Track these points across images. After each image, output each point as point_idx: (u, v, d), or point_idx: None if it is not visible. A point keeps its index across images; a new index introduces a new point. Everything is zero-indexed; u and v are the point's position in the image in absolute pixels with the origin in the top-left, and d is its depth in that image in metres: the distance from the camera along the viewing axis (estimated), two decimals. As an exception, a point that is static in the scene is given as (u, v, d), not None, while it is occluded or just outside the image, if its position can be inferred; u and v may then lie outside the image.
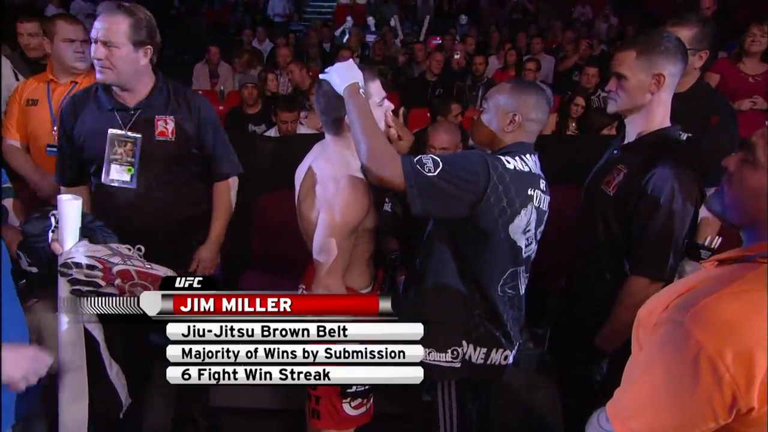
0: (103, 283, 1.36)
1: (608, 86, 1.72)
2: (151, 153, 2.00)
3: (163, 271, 1.42)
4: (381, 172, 1.44)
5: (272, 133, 3.89)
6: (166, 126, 2.00)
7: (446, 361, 1.64)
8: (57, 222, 1.41)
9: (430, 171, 1.44)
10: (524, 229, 1.57)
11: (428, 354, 1.58)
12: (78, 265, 1.35)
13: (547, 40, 7.66)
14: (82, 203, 1.42)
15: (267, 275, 2.91)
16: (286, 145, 3.34)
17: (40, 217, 1.47)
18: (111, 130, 1.98)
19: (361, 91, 1.54)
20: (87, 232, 1.45)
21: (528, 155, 1.60)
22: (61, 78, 2.57)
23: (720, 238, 2.01)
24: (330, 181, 1.60)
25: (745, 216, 0.97)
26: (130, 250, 1.45)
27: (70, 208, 1.40)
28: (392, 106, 1.69)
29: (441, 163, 1.46)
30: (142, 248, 1.49)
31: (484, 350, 1.65)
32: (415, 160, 1.46)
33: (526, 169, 1.56)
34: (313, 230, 1.63)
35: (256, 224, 3.08)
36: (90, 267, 1.35)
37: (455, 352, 1.64)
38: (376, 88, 1.64)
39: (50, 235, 1.43)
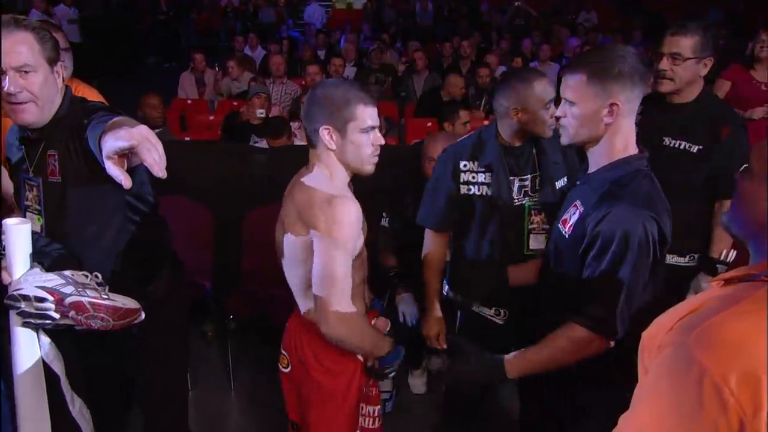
0: (57, 315, 1.21)
1: (558, 111, 1.49)
2: (49, 198, 1.55)
3: (120, 301, 1.26)
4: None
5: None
6: (55, 163, 1.52)
7: None
8: (4, 249, 1.25)
9: None
10: None
11: None
12: (26, 298, 1.19)
13: (551, 47, 7.58)
14: (31, 227, 1.26)
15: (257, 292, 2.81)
16: (279, 156, 3.25)
17: None
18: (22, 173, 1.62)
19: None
20: (41, 258, 1.29)
21: None
22: None
23: (735, 252, 1.93)
24: (316, 203, 1.46)
25: (745, 227, 0.94)
26: (87, 277, 1.28)
27: (17, 233, 1.24)
28: (382, 141, 1.54)
29: None
30: (99, 275, 1.31)
31: None
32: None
33: None
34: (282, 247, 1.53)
35: (246, 239, 2.98)
36: (39, 299, 1.19)
37: None
38: (369, 113, 1.50)
39: None
